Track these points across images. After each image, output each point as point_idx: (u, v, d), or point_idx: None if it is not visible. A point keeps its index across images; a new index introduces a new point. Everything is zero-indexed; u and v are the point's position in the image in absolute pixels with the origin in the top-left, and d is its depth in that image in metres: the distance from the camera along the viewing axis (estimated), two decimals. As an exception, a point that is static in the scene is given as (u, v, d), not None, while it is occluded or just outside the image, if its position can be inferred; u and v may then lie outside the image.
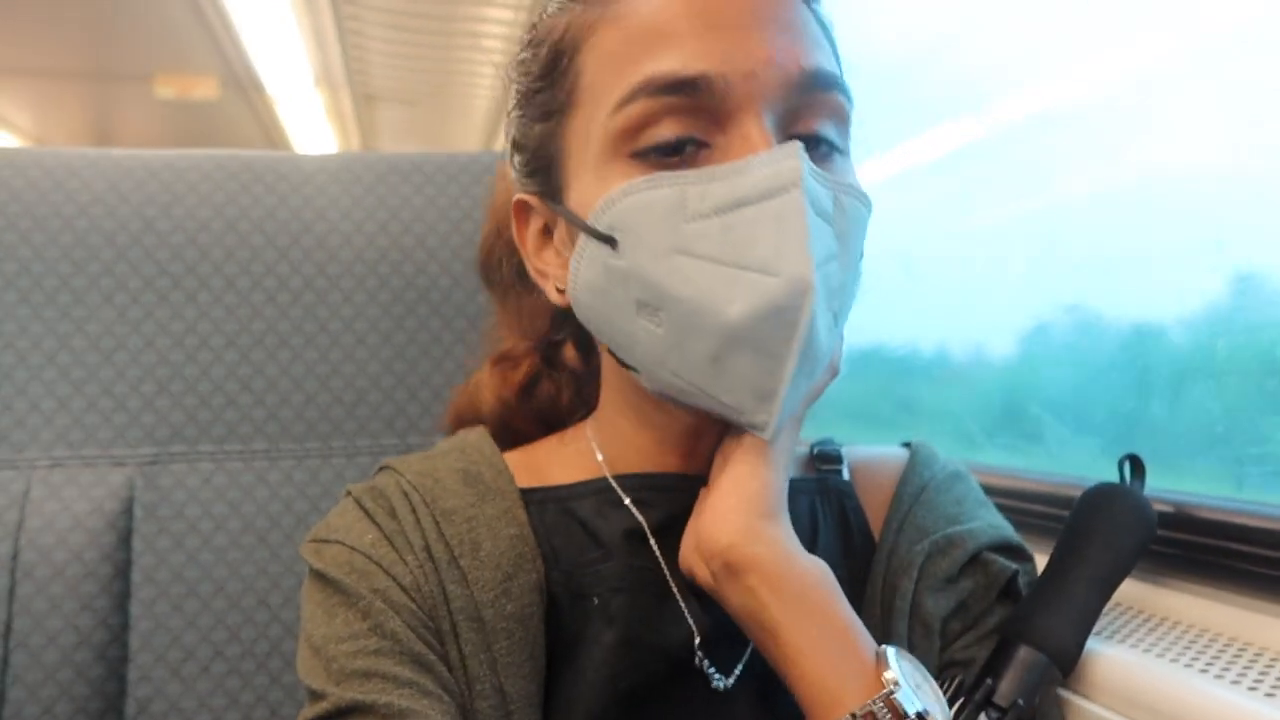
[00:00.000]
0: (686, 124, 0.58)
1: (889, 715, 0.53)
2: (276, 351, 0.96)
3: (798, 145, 0.56)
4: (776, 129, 0.59)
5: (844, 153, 0.62)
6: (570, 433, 0.76)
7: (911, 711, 0.53)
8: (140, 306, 0.94)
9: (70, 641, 0.86)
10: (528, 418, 0.81)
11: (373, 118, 4.92)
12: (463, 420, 0.82)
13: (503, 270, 0.80)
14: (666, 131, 0.58)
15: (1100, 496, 0.72)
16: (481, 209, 1.02)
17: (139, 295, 0.94)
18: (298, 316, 0.97)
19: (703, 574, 0.61)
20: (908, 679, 0.55)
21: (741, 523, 0.59)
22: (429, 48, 3.39)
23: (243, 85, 5.56)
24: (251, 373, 0.96)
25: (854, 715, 0.53)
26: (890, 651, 0.56)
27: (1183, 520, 0.77)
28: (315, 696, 0.60)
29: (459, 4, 3.27)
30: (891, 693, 0.53)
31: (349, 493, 0.70)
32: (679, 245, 0.57)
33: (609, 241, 0.59)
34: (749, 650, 0.65)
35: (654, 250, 0.58)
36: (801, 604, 0.57)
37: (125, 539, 0.90)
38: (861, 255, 0.63)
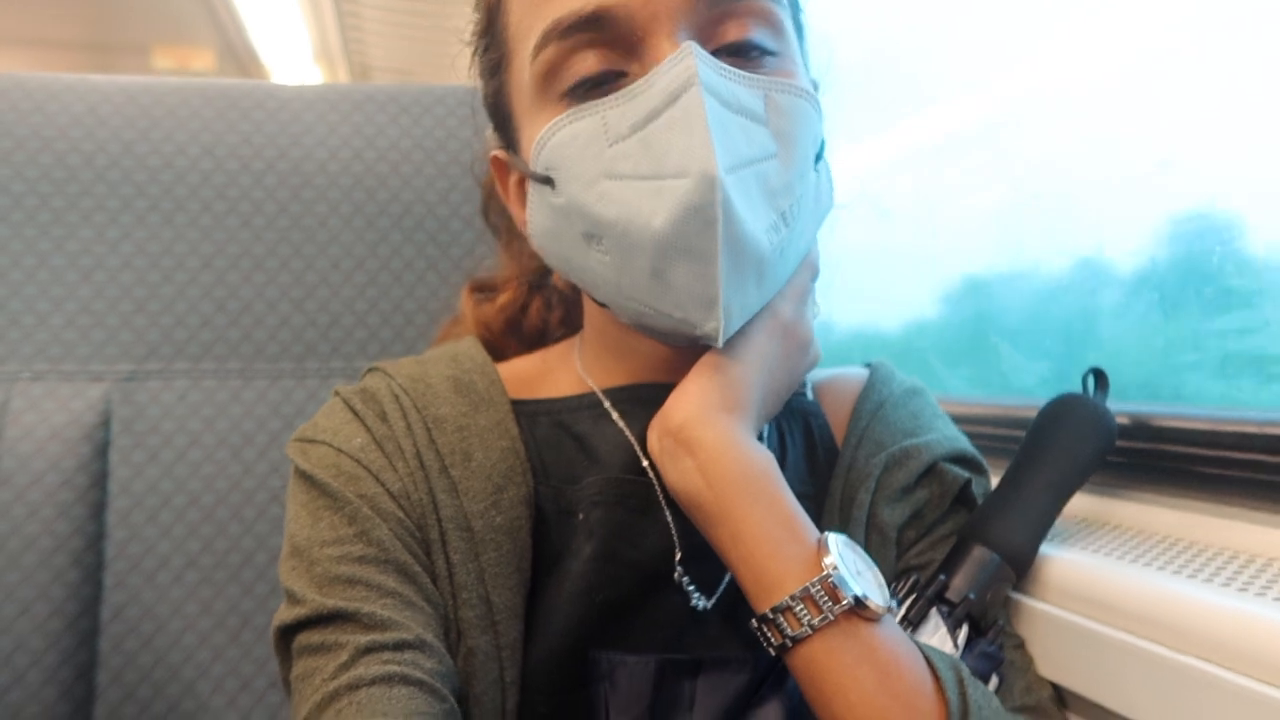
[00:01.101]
0: (602, 57, 0.59)
1: (827, 598, 0.54)
2: (251, 274, 0.98)
3: (691, 45, 0.56)
4: (694, 43, 0.58)
5: (778, 55, 0.62)
6: (557, 349, 0.77)
7: (849, 595, 0.54)
8: (118, 227, 0.96)
9: (47, 546, 0.88)
10: (515, 341, 0.82)
11: (369, 90, 4.92)
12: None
13: (502, 219, 0.82)
14: (583, 67, 0.59)
15: (1061, 406, 0.73)
16: (456, 140, 1.04)
17: (117, 216, 0.96)
18: (272, 240, 0.99)
19: (652, 444, 0.62)
20: (848, 565, 0.56)
21: (698, 406, 0.60)
22: (425, 16, 3.40)
23: (240, 58, 5.56)
24: (226, 294, 0.98)
25: (793, 597, 0.55)
26: (831, 537, 0.57)
27: (1140, 430, 0.79)
28: (295, 600, 0.61)
29: (454, -28, 3.29)
30: (829, 576, 0.54)
31: (337, 393, 0.70)
32: (605, 170, 0.58)
33: (548, 182, 0.61)
34: (730, 572, 0.66)
35: (584, 180, 0.59)
36: (744, 489, 0.58)
37: (102, 451, 0.92)
38: (816, 155, 0.63)
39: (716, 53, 0.59)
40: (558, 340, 0.80)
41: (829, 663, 0.54)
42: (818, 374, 0.79)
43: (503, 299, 0.83)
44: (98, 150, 0.96)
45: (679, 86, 0.56)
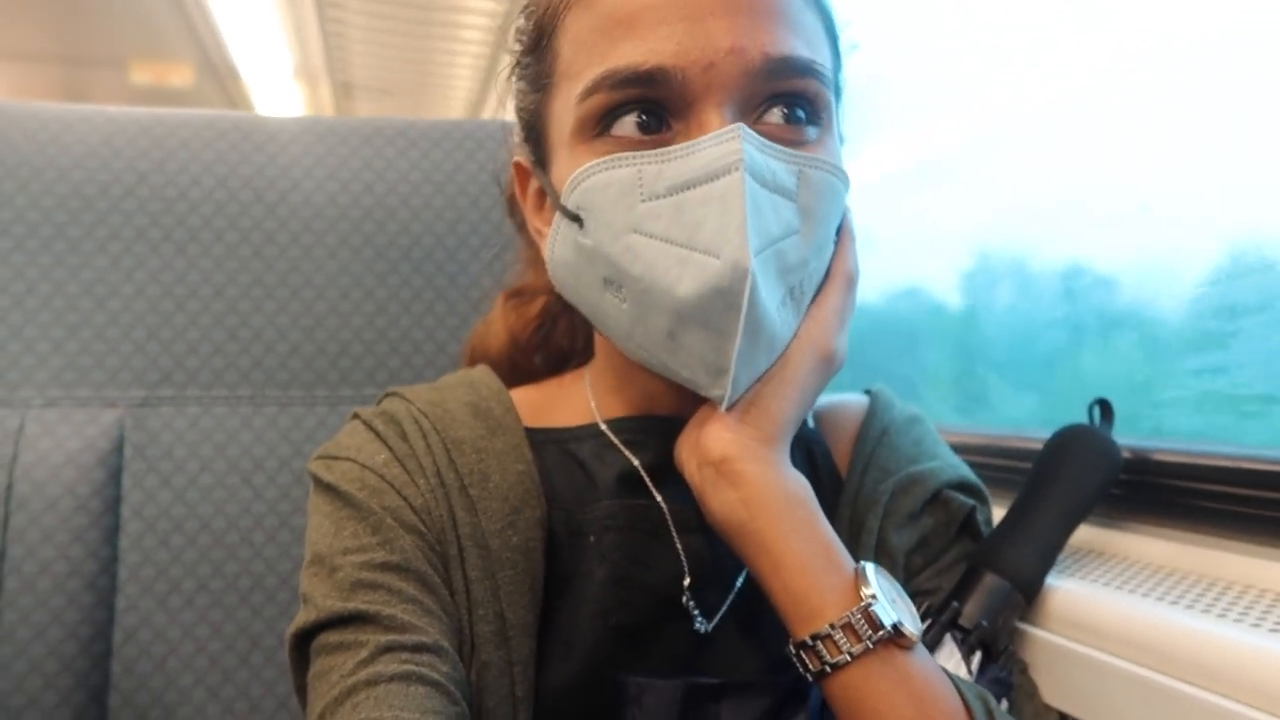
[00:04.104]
0: (649, 112, 0.60)
1: (866, 626, 0.57)
2: (263, 303, 1.00)
3: (740, 128, 0.58)
4: (740, 115, 0.60)
5: (819, 127, 0.63)
6: (569, 377, 0.79)
7: (888, 623, 0.57)
8: (132, 256, 0.98)
9: (62, 570, 0.90)
10: (538, 355, 0.84)
11: (351, 109, 4.93)
12: (475, 359, 0.85)
13: (520, 216, 0.82)
14: (629, 118, 0.60)
15: (1068, 437, 0.77)
16: (464, 173, 1.06)
17: (131, 245, 0.98)
18: (283, 270, 1.01)
19: (691, 472, 0.64)
20: (884, 593, 0.58)
21: (739, 440, 0.62)
22: (409, 37, 3.42)
23: (219, 74, 5.55)
24: (238, 322, 1.00)
25: (833, 625, 0.57)
26: (869, 567, 0.60)
27: (1143, 464, 0.82)
28: (315, 605, 0.62)
29: (439, -6, 3.32)
30: (869, 605, 0.57)
31: (356, 415, 0.72)
32: (634, 224, 0.59)
33: (577, 220, 0.62)
34: (732, 595, 0.69)
35: (613, 229, 0.60)
36: (785, 520, 0.60)
37: (115, 476, 0.94)
38: (836, 230, 0.65)
39: (760, 122, 0.61)
40: (578, 359, 0.83)
41: (867, 689, 0.56)
42: (818, 402, 0.81)
43: (536, 306, 0.84)
44: (113, 181, 0.98)
45: (722, 167, 0.57)
